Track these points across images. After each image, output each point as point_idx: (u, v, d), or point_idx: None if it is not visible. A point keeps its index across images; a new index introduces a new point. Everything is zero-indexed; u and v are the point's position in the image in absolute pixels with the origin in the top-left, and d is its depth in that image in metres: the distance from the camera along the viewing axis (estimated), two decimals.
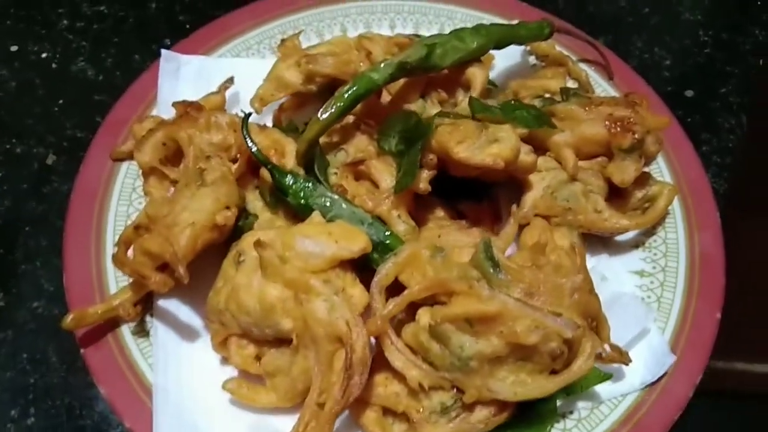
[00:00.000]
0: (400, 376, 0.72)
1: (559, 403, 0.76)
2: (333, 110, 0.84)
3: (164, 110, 0.96)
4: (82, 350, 0.77)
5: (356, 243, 0.73)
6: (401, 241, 0.79)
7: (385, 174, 0.83)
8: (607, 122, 0.85)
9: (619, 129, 0.84)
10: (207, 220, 0.75)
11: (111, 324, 0.79)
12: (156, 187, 0.88)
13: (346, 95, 0.84)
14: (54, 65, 1.14)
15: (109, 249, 0.86)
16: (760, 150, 1.10)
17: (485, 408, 0.70)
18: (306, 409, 0.68)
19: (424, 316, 0.71)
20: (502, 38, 0.95)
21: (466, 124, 0.80)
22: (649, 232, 0.90)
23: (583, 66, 1.05)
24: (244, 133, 0.82)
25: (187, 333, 0.80)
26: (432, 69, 0.90)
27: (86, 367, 0.76)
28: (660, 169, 0.95)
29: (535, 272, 0.67)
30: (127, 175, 0.92)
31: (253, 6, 1.10)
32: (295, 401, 0.72)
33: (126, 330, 0.80)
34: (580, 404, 0.77)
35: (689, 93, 1.14)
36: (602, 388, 0.77)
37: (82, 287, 0.81)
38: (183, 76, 1.01)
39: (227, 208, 0.77)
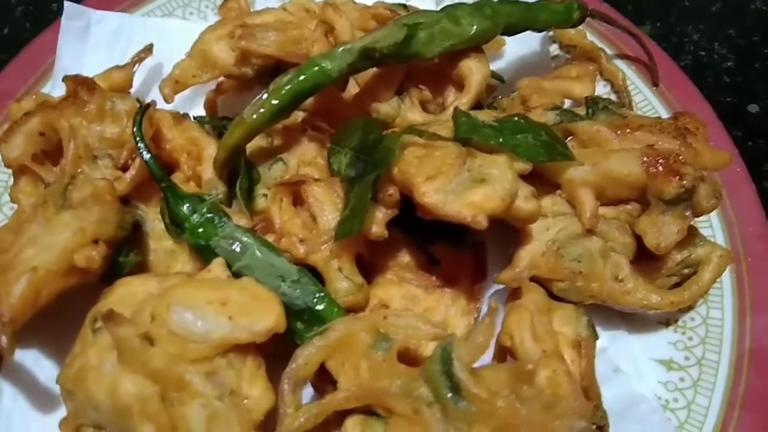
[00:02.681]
0: None
1: None
2: (264, 110, 0.60)
3: (61, 85, 0.72)
4: None
5: (261, 320, 0.50)
6: (338, 307, 0.56)
7: (328, 207, 0.59)
8: (645, 158, 0.60)
9: (661, 169, 0.60)
10: (59, 261, 0.53)
11: None
12: (28, 193, 0.65)
13: (284, 90, 0.61)
14: None
15: None
16: None
17: None
18: None
19: (352, 429, 0.49)
20: (513, 22, 0.69)
21: (445, 151, 0.56)
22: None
23: (620, 65, 0.79)
24: (135, 130, 0.59)
25: (43, 401, 0.59)
26: (411, 58, 0.65)
27: None
28: (709, 222, 0.71)
29: (513, 407, 0.44)
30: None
31: None
32: None
33: None
34: None
35: (753, 108, 0.88)
36: None
37: None
38: (93, 38, 0.78)
39: (95, 242, 0.55)
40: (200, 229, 0.56)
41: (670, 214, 0.60)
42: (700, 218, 0.70)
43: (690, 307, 0.67)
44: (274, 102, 0.60)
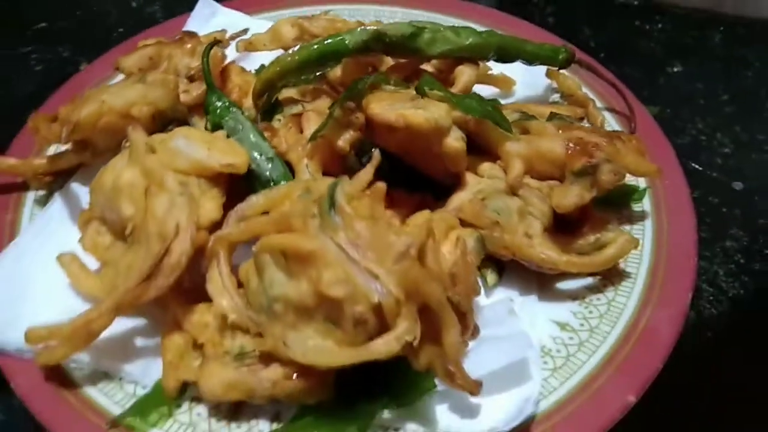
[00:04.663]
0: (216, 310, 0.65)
1: (388, 414, 0.63)
2: (296, 57, 0.83)
3: None
4: None
5: (230, 158, 0.69)
6: None
7: (314, 124, 0.78)
8: (570, 143, 0.74)
9: (577, 149, 0.73)
10: (121, 105, 0.76)
11: (23, 186, 0.82)
12: None
13: (312, 47, 0.83)
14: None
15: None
16: None
17: (283, 368, 0.60)
18: (107, 298, 0.64)
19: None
20: (503, 47, 0.88)
21: (403, 94, 0.74)
22: (597, 288, 0.75)
23: (604, 113, 0.94)
24: (204, 54, 0.84)
25: (76, 217, 0.80)
26: (416, 53, 0.85)
27: None
28: (643, 230, 0.80)
29: (367, 223, 0.58)
30: None
31: None
32: None
33: (30, 195, 0.82)
34: (411, 426, 0.63)
35: (738, 185, 0.96)
36: (444, 419, 0.63)
37: None
38: (214, 24, 1.07)
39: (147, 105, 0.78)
40: (218, 111, 0.77)
41: (576, 184, 0.72)
42: (636, 226, 0.80)
43: (601, 290, 0.74)
44: (304, 54, 0.83)
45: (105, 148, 0.80)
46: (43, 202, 0.82)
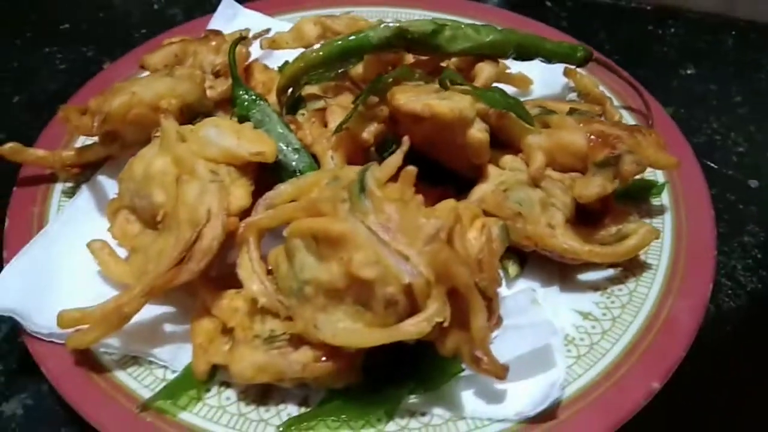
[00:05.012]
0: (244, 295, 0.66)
1: (415, 399, 0.64)
2: (321, 53, 0.84)
3: None
4: (15, 188, 0.82)
5: (259, 147, 0.70)
6: None
7: (338, 117, 0.80)
8: (591, 135, 0.75)
9: (599, 141, 0.74)
10: (150, 97, 0.78)
11: (50, 178, 0.84)
12: None
13: (336, 43, 0.84)
14: None
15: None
16: None
17: (312, 350, 0.61)
18: (138, 283, 0.65)
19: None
20: (523, 44, 0.89)
21: (427, 87, 0.76)
22: (619, 279, 0.76)
23: (621, 111, 0.95)
24: (231, 49, 0.86)
25: (103, 208, 0.81)
26: (437, 50, 0.87)
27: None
28: (662, 224, 0.80)
29: (397, 205, 0.59)
30: None
31: None
32: None
33: (58, 187, 0.83)
34: (437, 410, 0.64)
35: (754, 183, 0.97)
36: (470, 404, 0.64)
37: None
38: (236, 25, 1.09)
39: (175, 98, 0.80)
40: (246, 104, 0.79)
41: (598, 175, 0.73)
42: (656, 219, 0.81)
43: (622, 280, 0.75)
44: (328, 50, 0.84)
45: (133, 140, 0.81)
46: (70, 193, 0.83)
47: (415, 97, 0.72)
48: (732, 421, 0.74)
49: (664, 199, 0.84)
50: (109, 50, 1.17)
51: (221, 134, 0.70)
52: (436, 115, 0.69)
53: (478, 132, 0.73)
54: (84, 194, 0.82)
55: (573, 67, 0.96)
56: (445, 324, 0.57)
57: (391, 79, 0.76)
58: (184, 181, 0.68)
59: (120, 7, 1.28)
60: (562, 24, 1.26)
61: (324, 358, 0.61)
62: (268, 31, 1.03)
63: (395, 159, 0.63)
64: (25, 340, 0.68)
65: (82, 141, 0.89)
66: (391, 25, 0.84)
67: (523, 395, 0.63)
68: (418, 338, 0.57)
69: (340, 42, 0.84)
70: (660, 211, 0.82)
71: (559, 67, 0.97)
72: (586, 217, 0.77)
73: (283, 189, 0.69)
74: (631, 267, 0.76)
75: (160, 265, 0.64)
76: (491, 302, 0.64)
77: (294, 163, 0.75)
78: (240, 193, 0.69)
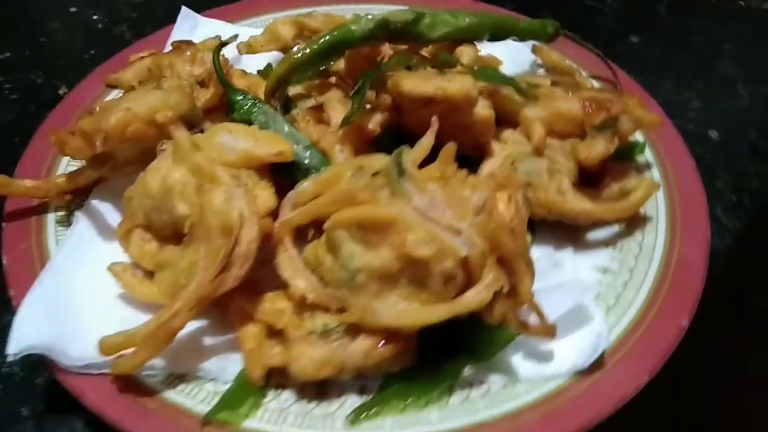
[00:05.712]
0: (289, 294, 0.65)
1: (469, 371, 0.65)
2: (307, 50, 0.84)
3: None
4: (2, 223, 0.77)
5: (276, 146, 0.69)
6: None
7: (339, 112, 0.80)
8: (585, 101, 0.79)
9: (594, 107, 0.78)
10: (145, 112, 0.75)
11: (41, 208, 0.79)
12: None
13: (321, 40, 0.84)
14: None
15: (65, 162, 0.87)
16: None
17: (370, 337, 0.61)
18: (176, 299, 0.63)
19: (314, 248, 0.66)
20: (498, 26, 0.93)
21: (426, 72, 0.77)
22: (625, 233, 0.80)
23: (591, 80, 1.00)
24: (215, 55, 0.84)
25: (104, 233, 0.78)
26: (418, 38, 0.88)
27: None
28: (652, 178, 0.86)
29: (441, 183, 0.60)
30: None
31: None
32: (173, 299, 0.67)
33: (51, 216, 0.79)
34: (494, 378, 0.66)
35: (714, 134, 1.05)
36: (523, 367, 0.66)
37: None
38: (197, 35, 1.06)
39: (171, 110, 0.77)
40: (245, 108, 0.78)
41: (599, 137, 0.77)
42: (646, 175, 0.86)
43: (629, 233, 0.80)
44: (314, 47, 0.84)
45: (124, 160, 0.78)
46: (65, 222, 0.79)
47: (422, 82, 0.73)
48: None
49: (648, 156, 0.89)
50: (60, 75, 1.12)
51: (237, 138, 0.69)
52: (449, 97, 0.71)
53: (483, 109, 0.76)
54: (81, 221, 0.78)
55: (540, 45, 1.00)
56: (504, 290, 0.59)
57: (391, 66, 0.77)
58: (207, 189, 0.66)
59: (61, 30, 1.22)
60: (509, 6, 1.31)
61: (381, 344, 0.62)
62: (236, 37, 1.01)
63: (428, 140, 0.65)
64: (58, 376, 0.64)
65: (64, 167, 0.85)
66: (373, 17, 0.85)
67: (573, 350, 0.66)
68: (475, 309, 0.59)
69: (326, 38, 0.84)
70: (646, 167, 0.88)
71: (524, 47, 1.02)
72: (587, 180, 0.81)
73: (305, 186, 0.69)
74: (634, 221, 0.81)
75: (198, 276, 0.63)
76: (530, 267, 0.67)
77: (306, 161, 0.74)
78: (265, 194, 0.68)
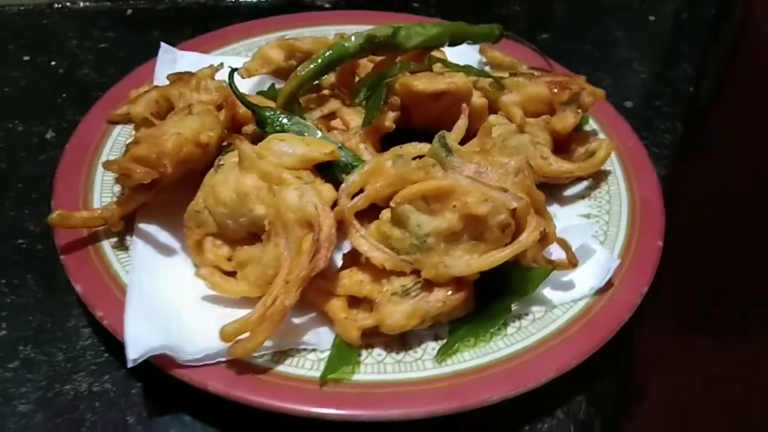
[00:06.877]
0: (363, 267, 0.77)
1: (514, 306, 0.80)
2: (311, 67, 0.96)
3: None
4: (61, 256, 0.82)
5: (325, 147, 0.81)
6: None
7: (355, 116, 0.93)
8: (548, 84, 0.98)
9: (558, 88, 0.97)
10: (191, 134, 0.83)
11: (92, 237, 0.84)
12: None
13: (321, 58, 0.97)
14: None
15: (97, 192, 0.92)
16: (694, 146, 1.24)
17: (443, 288, 0.75)
18: (274, 285, 0.73)
19: (386, 213, 0.78)
20: (456, 33, 1.09)
21: (426, 73, 0.92)
22: (594, 186, 0.99)
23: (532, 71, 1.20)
24: (230, 81, 0.93)
25: (164, 249, 0.85)
26: (398, 48, 1.03)
27: (65, 287, 0.80)
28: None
29: (483, 154, 0.76)
30: (120, 133, 1.01)
31: (249, 23, 1.26)
32: (264, 290, 0.76)
33: (106, 243, 0.84)
34: (535, 308, 0.81)
35: (629, 104, 1.29)
36: (555, 296, 0.82)
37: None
38: (178, 67, 1.14)
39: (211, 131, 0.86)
40: (279, 120, 0.88)
41: (568, 110, 0.96)
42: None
43: (597, 185, 0.99)
44: (316, 64, 0.96)
45: (168, 183, 0.86)
46: (119, 246, 0.85)
47: (430, 81, 0.88)
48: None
49: (592, 124, 1.10)
50: (38, 119, 1.14)
51: (291, 145, 0.80)
52: (459, 89, 0.86)
53: (478, 99, 0.92)
54: (138, 244, 0.84)
55: (485, 45, 1.19)
56: (548, 232, 0.75)
57: (397, 72, 0.91)
58: (278, 190, 0.76)
59: (23, 79, 1.23)
60: (431, 11, 1.49)
61: (450, 293, 0.75)
62: (222, 65, 1.10)
63: (462, 122, 0.80)
64: (175, 373, 0.71)
65: (98, 198, 0.90)
66: (360, 33, 0.99)
67: (590, 274, 0.83)
68: (530, 247, 0.74)
69: (326, 55, 0.96)
70: (595, 133, 1.09)
71: (469, 49, 1.20)
72: (558, 147, 1.00)
73: (353, 179, 0.81)
74: (597, 176, 1.01)
75: (294, 261, 0.73)
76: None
77: (343, 159, 0.86)
78: (326, 188, 0.79)
